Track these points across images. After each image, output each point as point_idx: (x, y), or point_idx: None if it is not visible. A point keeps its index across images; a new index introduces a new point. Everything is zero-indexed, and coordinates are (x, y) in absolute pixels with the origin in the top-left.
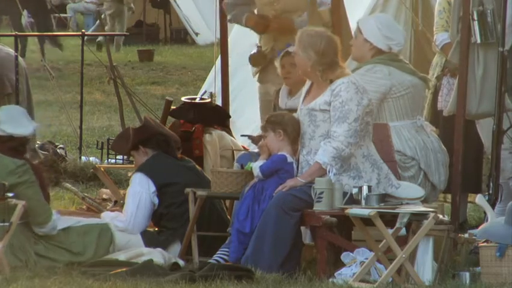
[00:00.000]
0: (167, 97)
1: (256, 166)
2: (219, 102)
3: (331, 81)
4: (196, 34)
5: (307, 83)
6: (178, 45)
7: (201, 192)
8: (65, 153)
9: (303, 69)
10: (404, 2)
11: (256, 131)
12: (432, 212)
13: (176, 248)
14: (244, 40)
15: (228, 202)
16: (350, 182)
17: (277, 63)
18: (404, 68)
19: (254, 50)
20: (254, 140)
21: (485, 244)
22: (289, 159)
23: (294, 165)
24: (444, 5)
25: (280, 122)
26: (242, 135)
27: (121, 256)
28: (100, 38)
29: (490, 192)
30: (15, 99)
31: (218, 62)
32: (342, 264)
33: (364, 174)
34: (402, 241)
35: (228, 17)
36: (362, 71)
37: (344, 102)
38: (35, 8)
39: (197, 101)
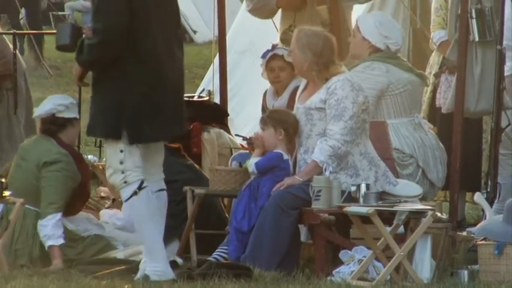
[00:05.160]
0: None
1: (251, 163)
2: (217, 100)
3: (326, 80)
4: (194, 32)
5: (303, 82)
6: None
7: (199, 190)
8: None
9: (298, 69)
10: (403, 0)
11: (255, 129)
12: (430, 209)
13: (175, 246)
14: (242, 38)
15: (226, 200)
16: (347, 180)
17: (262, 66)
18: (401, 66)
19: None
20: (249, 142)
21: (483, 242)
22: (285, 156)
23: (290, 163)
24: (441, 2)
25: (284, 121)
26: (237, 135)
27: (119, 254)
28: None
29: (488, 190)
30: (13, 96)
31: (216, 60)
32: (340, 262)
33: (362, 172)
34: (400, 239)
35: (248, 8)
36: (360, 68)
37: (340, 100)
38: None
39: (195, 99)
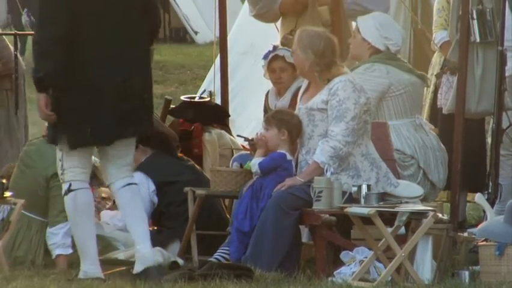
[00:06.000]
0: (166, 96)
1: (254, 163)
2: (218, 101)
3: (328, 80)
4: (196, 33)
5: (305, 83)
6: (177, 43)
7: (200, 191)
8: None
9: (300, 69)
10: (404, 0)
11: (256, 130)
12: (431, 210)
13: (176, 246)
14: (243, 39)
15: (227, 201)
16: (349, 181)
17: (264, 68)
18: (401, 67)
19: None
20: (251, 144)
21: (484, 243)
22: (289, 157)
23: (293, 163)
24: (443, 3)
25: (288, 122)
26: (238, 136)
27: (120, 255)
28: None
29: (489, 191)
30: (14, 98)
31: (217, 60)
32: (341, 263)
33: (363, 173)
34: (401, 240)
35: (252, 13)
36: (361, 70)
37: (341, 101)
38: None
39: (196, 100)
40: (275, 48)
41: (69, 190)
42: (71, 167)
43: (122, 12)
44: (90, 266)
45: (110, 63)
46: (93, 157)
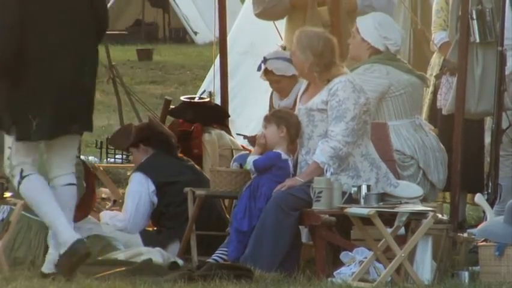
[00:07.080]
0: (166, 96)
1: (250, 160)
2: (217, 101)
3: (328, 81)
4: (195, 33)
5: (304, 83)
6: (177, 44)
7: (200, 192)
8: None
9: (300, 70)
10: (403, 1)
11: (256, 130)
12: (431, 211)
13: (175, 247)
14: (243, 39)
15: (227, 201)
16: (348, 181)
17: (262, 77)
18: (401, 67)
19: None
20: (250, 140)
21: (484, 243)
22: (284, 156)
23: (290, 163)
24: (441, 4)
25: (287, 120)
26: (238, 134)
27: (120, 255)
28: None
29: (489, 191)
30: None
31: (217, 61)
32: (341, 264)
33: (363, 173)
34: (401, 240)
35: (257, 11)
36: (360, 71)
37: (341, 101)
38: None
39: (196, 100)
40: (265, 60)
41: (22, 177)
42: (21, 162)
43: (71, 10)
44: (67, 235)
45: (61, 59)
46: (91, 157)
